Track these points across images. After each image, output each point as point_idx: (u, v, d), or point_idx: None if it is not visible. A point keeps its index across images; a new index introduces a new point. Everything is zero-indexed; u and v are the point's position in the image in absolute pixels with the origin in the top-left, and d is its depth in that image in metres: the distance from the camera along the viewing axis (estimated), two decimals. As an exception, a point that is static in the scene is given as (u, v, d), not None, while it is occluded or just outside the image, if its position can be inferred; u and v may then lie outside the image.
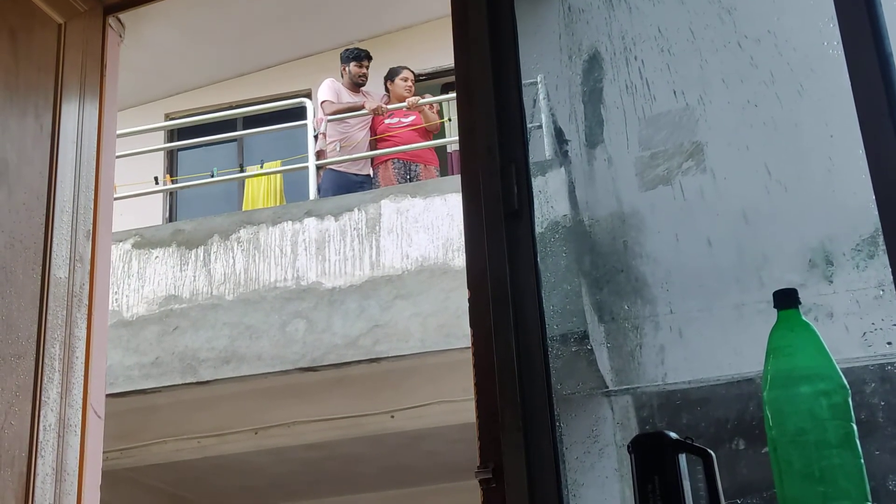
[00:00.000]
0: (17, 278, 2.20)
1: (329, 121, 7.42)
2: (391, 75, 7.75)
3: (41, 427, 2.17)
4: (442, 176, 7.48)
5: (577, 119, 2.32)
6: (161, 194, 9.41)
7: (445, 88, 8.97)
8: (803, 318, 1.52)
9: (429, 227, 5.72)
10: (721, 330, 2.04)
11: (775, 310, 1.54)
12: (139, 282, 5.99)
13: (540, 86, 2.42)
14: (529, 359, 1.84)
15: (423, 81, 8.79)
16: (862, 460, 1.44)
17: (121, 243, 6.02)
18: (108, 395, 2.50)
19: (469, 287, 1.95)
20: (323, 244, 5.84)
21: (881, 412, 1.78)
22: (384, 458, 7.17)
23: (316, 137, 7.39)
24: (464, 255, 2.03)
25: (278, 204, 7.87)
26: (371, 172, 7.50)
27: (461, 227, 2.07)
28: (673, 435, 1.53)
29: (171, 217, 9.53)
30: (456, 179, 5.47)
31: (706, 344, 2.07)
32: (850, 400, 1.46)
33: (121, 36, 2.72)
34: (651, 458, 1.51)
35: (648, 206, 2.21)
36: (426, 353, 5.45)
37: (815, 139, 2.08)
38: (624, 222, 2.22)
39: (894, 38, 1.74)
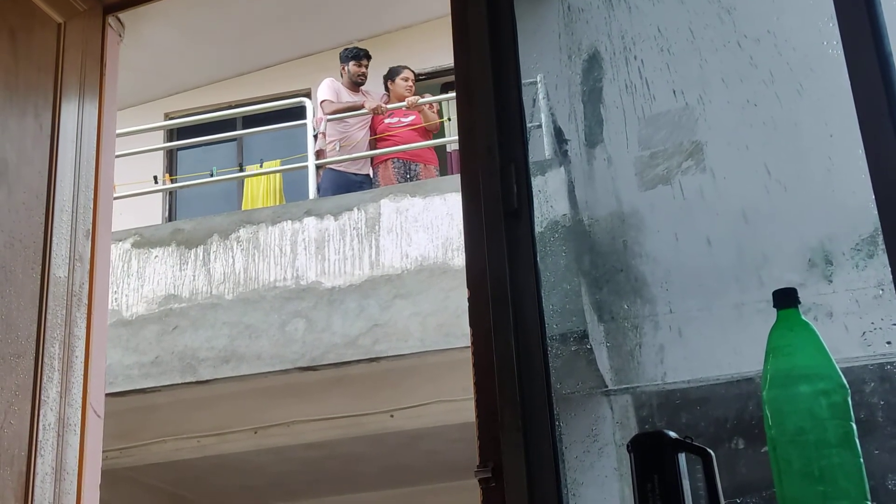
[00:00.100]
0: (16, 277, 2.20)
1: (328, 120, 7.42)
2: (392, 75, 7.75)
3: (41, 426, 2.17)
4: (441, 175, 7.48)
5: (577, 118, 2.33)
6: (160, 194, 9.41)
7: (445, 88, 8.97)
8: (803, 317, 1.52)
9: (428, 226, 5.72)
10: (720, 329, 2.05)
11: (775, 309, 1.54)
12: (139, 281, 5.99)
13: (539, 85, 2.42)
14: (529, 358, 1.84)
15: (423, 81, 8.78)
16: (861, 460, 1.44)
17: (120, 243, 6.02)
18: (107, 395, 2.51)
19: (468, 286, 1.95)
20: (322, 244, 5.84)
21: (880, 411, 1.78)
22: (384, 458, 7.18)
23: (315, 137, 7.39)
24: (463, 254, 2.03)
25: (278, 203, 7.87)
26: (371, 172, 7.50)
27: (461, 226, 2.07)
28: (672, 434, 1.53)
29: (171, 216, 9.53)
30: (455, 179, 5.47)
31: (706, 343, 2.07)
32: (849, 399, 1.46)
33: (120, 35, 2.72)
34: (650, 457, 1.51)
35: (648, 206, 2.21)
36: (426, 352, 5.45)
37: (814, 139, 2.08)
38: (623, 222, 2.22)
39: (894, 38, 1.74)
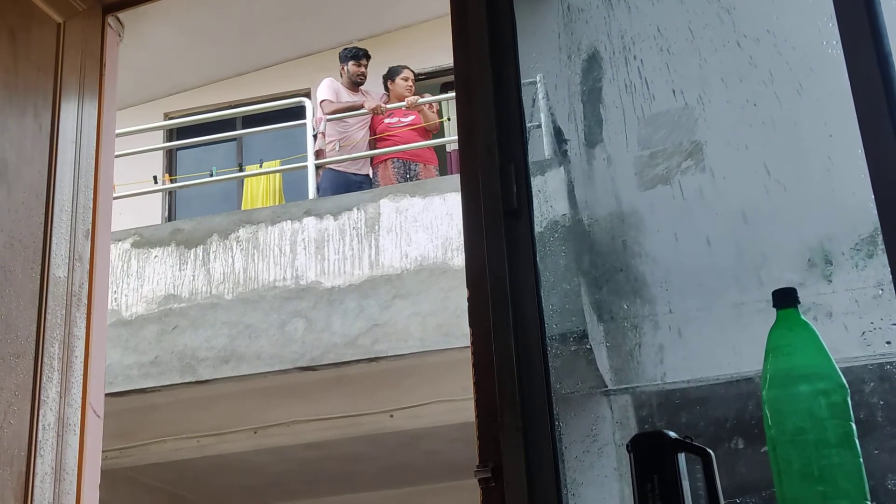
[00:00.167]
0: (16, 277, 2.20)
1: (328, 120, 7.42)
2: (392, 75, 7.75)
3: (40, 426, 2.17)
4: (441, 175, 7.48)
5: (577, 118, 2.32)
6: (160, 193, 9.41)
7: (444, 88, 8.97)
8: (802, 317, 1.52)
9: (428, 226, 5.72)
10: (720, 329, 2.05)
11: (774, 309, 1.54)
12: (138, 281, 5.99)
13: (539, 85, 2.42)
14: (528, 358, 1.84)
15: (423, 81, 8.78)
16: (861, 459, 1.44)
17: (120, 242, 6.02)
18: (107, 395, 2.50)
19: (468, 286, 1.95)
20: (322, 243, 5.84)
21: (880, 411, 1.78)
22: (383, 458, 7.18)
23: (315, 137, 7.39)
24: (463, 254, 2.03)
25: (277, 203, 7.87)
26: (370, 172, 7.50)
27: (460, 226, 2.07)
28: (672, 434, 1.53)
29: (171, 216, 9.53)
30: (455, 179, 5.47)
31: (705, 343, 2.07)
32: (849, 399, 1.46)
33: (120, 35, 2.72)
34: (650, 457, 1.51)
35: (647, 206, 2.21)
36: (425, 352, 5.45)
37: (814, 139, 2.08)
38: (623, 222, 2.22)
39: (893, 38, 1.74)
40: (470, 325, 1.92)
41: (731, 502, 1.75)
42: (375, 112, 7.46)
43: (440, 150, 7.95)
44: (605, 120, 2.29)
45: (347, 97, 7.60)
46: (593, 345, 2.18)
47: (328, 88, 7.57)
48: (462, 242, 2.03)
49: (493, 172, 1.99)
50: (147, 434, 6.27)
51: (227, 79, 9.63)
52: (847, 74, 1.73)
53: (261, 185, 8.34)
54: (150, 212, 9.05)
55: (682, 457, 1.51)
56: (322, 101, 7.52)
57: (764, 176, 2.06)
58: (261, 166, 8.64)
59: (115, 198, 3.04)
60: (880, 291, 1.82)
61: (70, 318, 2.33)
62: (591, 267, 2.25)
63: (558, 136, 2.40)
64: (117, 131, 2.81)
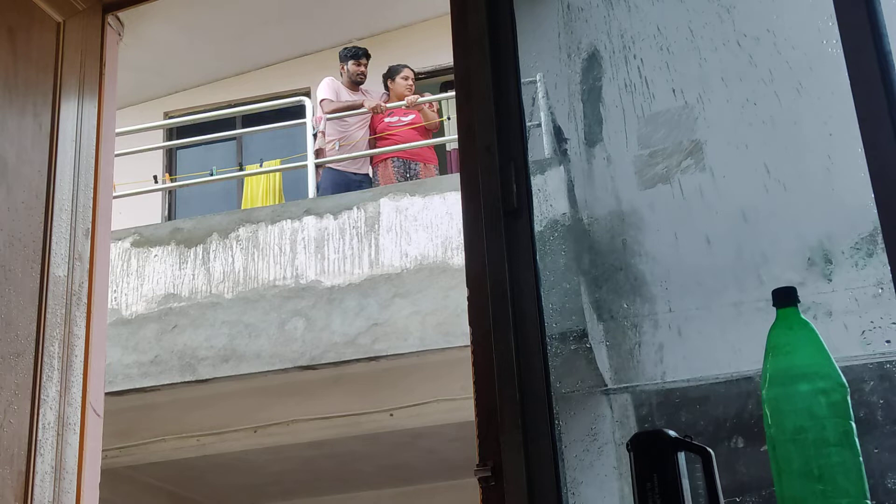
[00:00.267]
0: (16, 276, 2.20)
1: (328, 119, 7.41)
2: (392, 74, 7.74)
3: (40, 425, 2.17)
4: (441, 174, 7.48)
5: (577, 117, 2.32)
6: (160, 193, 9.41)
7: (444, 87, 8.97)
8: (802, 316, 1.52)
9: (428, 225, 5.72)
10: (720, 328, 2.05)
11: (774, 308, 1.54)
12: (138, 280, 5.99)
13: (539, 84, 2.42)
14: (528, 357, 1.84)
15: (422, 80, 8.78)
16: (861, 458, 1.44)
17: (120, 242, 6.02)
18: (107, 394, 2.51)
19: (468, 285, 1.95)
20: (322, 243, 5.84)
21: (880, 410, 1.78)
22: (383, 457, 7.18)
23: (315, 136, 7.38)
24: (462, 253, 2.03)
25: (277, 202, 7.87)
26: (370, 171, 7.50)
27: (460, 225, 2.07)
28: (672, 433, 1.53)
29: (170, 215, 9.53)
30: (455, 178, 5.47)
31: (705, 342, 2.07)
32: (848, 398, 1.46)
33: (120, 34, 2.72)
34: (650, 456, 1.51)
35: (647, 205, 2.21)
36: (425, 351, 5.45)
37: (814, 138, 2.08)
38: (623, 221, 2.22)
39: (893, 37, 1.74)
40: (470, 325, 1.92)
41: (731, 501, 1.75)
42: (375, 111, 7.45)
43: (440, 149, 7.95)
44: (604, 119, 2.29)
45: (347, 96, 7.60)
46: (593, 344, 2.18)
47: (328, 87, 7.57)
48: (462, 241, 2.03)
49: (493, 171, 1.99)
50: (147, 433, 6.27)
51: (226, 78, 9.63)
52: (847, 73, 1.73)
53: (261, 185, 8.34)
54: (150, 211, 9.05)
55: (681, 456, 1.51)
56: (322, 101, 7.52)
57: (764, 175, 2.06)
58: (261, 165, 8.64)
59: (115, 197, 3.04)
60: (880, 290, 1.82)
61: (70, 317, 2.33)
62: (590, 266, 2.25)
63: (558, 136, 2.40)
64: (117, 130, 2.81)
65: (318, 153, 7.31)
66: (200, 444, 6.37)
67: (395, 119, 7.57)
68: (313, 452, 6.87)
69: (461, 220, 2.03)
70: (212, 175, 8.59)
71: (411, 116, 7.56)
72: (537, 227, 2.00)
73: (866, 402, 1.76)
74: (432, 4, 8.38)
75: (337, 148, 7.37)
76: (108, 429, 2.50)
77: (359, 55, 7.75)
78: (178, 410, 6.08)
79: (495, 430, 1.81)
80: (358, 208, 5.90)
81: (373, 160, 7.50)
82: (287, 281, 5.78)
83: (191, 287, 5.90)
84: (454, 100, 2.22)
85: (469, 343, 1.91)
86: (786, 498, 1.45)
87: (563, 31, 2.36)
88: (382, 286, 5.62)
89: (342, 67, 7.76)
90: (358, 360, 5.55)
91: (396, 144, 7.39)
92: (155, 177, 9.17)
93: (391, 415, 6.04)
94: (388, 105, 7.52)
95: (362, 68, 7.74)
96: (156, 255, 6.05)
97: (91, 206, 2.48)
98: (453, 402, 5.67)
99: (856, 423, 1.46)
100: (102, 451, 2.39)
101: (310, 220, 5.93)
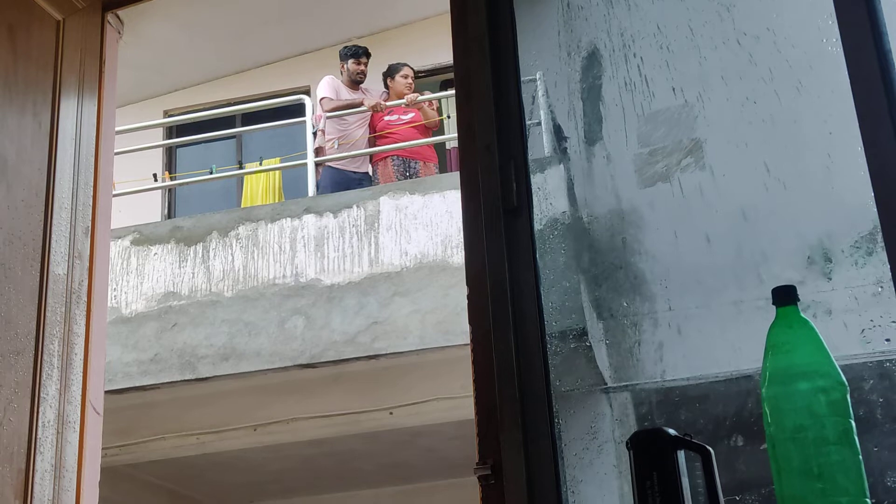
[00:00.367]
0: (15, 275, 2.20)
1: (328, 118, 7.41)
2: (391, 72, 7.74)
3: (40, 423, 2.17)
4: (441, 173, 7.48)
5: (576, 116, 2.32)
6: (160, 191, 9.41)
7: (444, 85, 8.97)
8: (802, 314, 1.52)
9: (427, 223, 5.72)
10: (720, 327, 2.05)
11: (774, 307, 1.54)
12: (138, 278, 5.99)
13: (539, 83, 2.42)
14: (528, 355, 1.84)
15: (422, 78, 8.78)
16: (860, 457, 1.44)
17: (119, 240, 6.02)
18: (106, 392, 2.51)
19: (468, 284, 1.95)
20: (322, 241, 5.84)
21: (879, 409, 1.78)
22: (383, 455, 7.18)
23: (315, 134, 7.38)
24: (462, 251, 2.03)
25: (277, 201, 7.87)
26: (370, 170, 7.50)
27: (460, 223, 2.07)
28: (671, 431, 1.53)
29: (170, 214, 9.53)
30: (455, 176, 5.46)
31: (705, 341, 2.07)
32: (848, 396, 1.46)
33: (119, 32, 2.72)
34: (650, 454, 1.51)
35: (647, 203, 2.21)
36: (425, 349, 5.45)
37: (814, 136, 2.08)
38: (623, 219, 2.22)
39: (893, 36, 1.74)
40: (470, 323, 1.92)
41: (731, 499, 1.75)
42: (375, 109, 7.45)
43: (440, 147, 7.94)
44: (604, 117, 2.29)
45: (347, 95, 7.60)
46: (593, 342, 2.18)
47: (328, 86, 7.57)
48: (461, 240, 2.03)
49: (493, 170, 1.99)
50: (147, 431, 6.27)
51: (226, 76, 9.63)
52: (847, 72, 1.73)
53: (260, 183, 8.34)
54: (150, 209, 9.05)
55: (681, 454, 1.51)
56: (322, 99, 7.52)
57: (763, 173, 2.06)
58: (260, 164, 8.64)
59: (115, 195, 3.04)
60: (880, 289, 1.82)
61: (70, 315, 2.33)
62: (590, 264, 2.25)
63: (558, 134, 2.40)
64: (117, 128, 2.81)
65: (318, 151, 7.31)
66: (200, 443, 6.37)
67: (394, 118, 7.57)
68: (313, 451, 6.87)
69: (461, 219, 2.03)
70: (211, 173, 8.59)
71: (411, 115, 7.56)
72: (537, 226, 2.00)
73: (866, 400, 1.76)
74: (432, 3, 8.37)
75: (336, 146, 7.37)
76: (108, 427, 2.50)
77: (359, 54, 7.75)
78: (177, 409, 6.08)
79: (495, 429, 1.81)
80: (358, 207, 5.90)
81: (372, 159, 7.50)
82: (287, 279, 5.78)
83: (190, 285, 5.90)
84: (454, 98, 2.22)
85: (469, 341, 1.91)
86: (785, 496, 1.45)
87: (563, 29, 2.36)
88: (382, 285, 5.62)
89: (342, 66, 7.75)
90: (358, 359, 5.55)
91: (396, 143, 7.38)
92: (155, 175, 9.16)
93: (391, 413, 6.04)
94: (387, 103, 7.52)
95: (362, 67, 7.74)
96: (155, 254, 6.05)
97: (91, 204, 2.48)
98: (453, 401, 5.67)
99: (855, 421, 1.46)
100: (102, 449, 2.40)
101: (309, 219, 5.93)
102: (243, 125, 8.97)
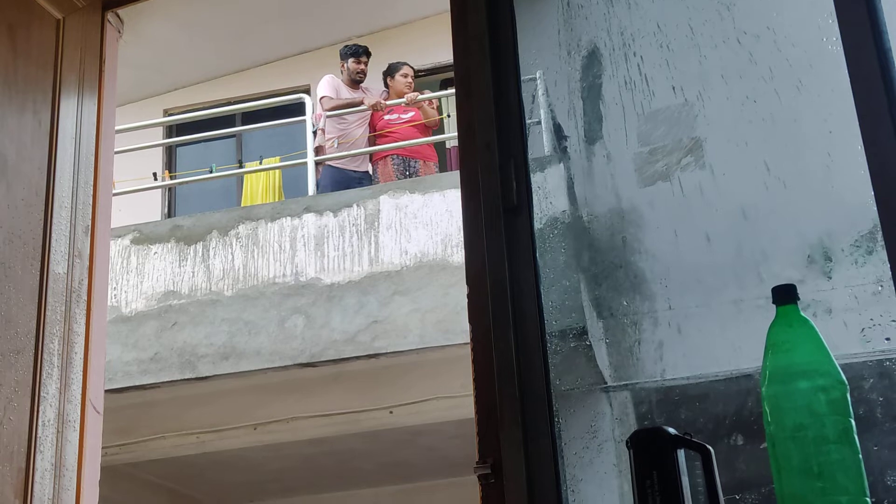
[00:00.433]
0: (15, 274, 2.20)
1: (328, 117, 7.41)
2: (391, 71, 7.74)
3: (40, 422, 2.17)
4: (441, 172, 7.48)
5: (576, 115, 2.32)
6: (160, 190, 9.40)
7: (444, 84, 8.96)
8: (802, 313, 1.52)
9: (427, 222, 5.72)
10: (720, 326, 2.05)
11: (774, 306, 1.54)
12: (138, 277, 5.99)
13: (539, 82, 2.42)
14: (528, 354, 1.84)
15: (422, 77, 8.78)
16: (860, 456, 1.44)
17: (119, 239, 6.02)
18: (106, 391, 2.51)
19: (468, 283, 1.95)
20: (322, 240, 5.84)
21: (879, 408, 1.78)
22: (383, 454, 7.18)
23: (315, 133, 7.38)
24: (462, 250, 2.03)
25: (277, 200, 7.87)
26: (370, 169, 7.50)
27: (460, 222, 2.07)
28: (671, 430, 1.53)
29: (170, 213, 9.53)
30: (455, 175, 5.46)
31: (705, 340, 2.07)
32: (848, 395, 1.46)
33: (119, 31, 2.72)
34: (650, 453, 1.51)
35: (647, 203, 2.21)
36: (425, 348, 5.46)
37: (814, 135, 2.08)
38: (623, 218, 2.22)
39: (893, 34, 1.74)
40: (470, 322, 1.92)
41: (731, 498, 1.75)
42: (375, 109, 7.45)
43: (440, 146, 7.94)
44: (604, 116, 2.29)
45: (347, 94, 7.60)
46: (593, 341, 2.18)
47: (328, 85, 7.57)
48: (461, 239, 2.03)
49: (493, 169, 1.99)
50: (147, 430, 6.27)
51: (226, 75, 9.63)
52: (847, 71, 1.73)
53: (260, 182, 8.34)
54: (150, 208, 9.05)
55: (681, 453, 1.51)
56: (322, 98, 7.52)
57: (763, 172, 2.06)
58: (260, 163, 8.64)
59: (115, 194, 3.04)
60: (880, 288, 1.82)
61: (70, 314, 2.33)
62: (590, 263, 2.25)
63: (558, 133, 2.40)
64: (117, 127, 2.81)
65: (318, 150, 7.31)
66: (200, 442, 6.37)
67: (394, 117, 7.57)
68: (313, 450, 6.87)
69: (461, 218, 2.03)
70: (211, 172, 8.59)
71: (411, 114, 7.56)
72: (537, 225, 2.00)
73: (866, 399, 1.76)
74: (432, 2, 8.37)
75: (336, 145, 7.37)
76: (108, 426, 2.51)
77: (359, 53, 7.75)
78: (177, 408, 6.08)
79: (495, 428, 1.81)
80: (358, 206, 5.90)
81: (372, 158, 7.50)
82: (287, 278, 5.78)
83: (190, 284, 5.90)
84: (454, 97, 2.22)
85: (469, 340, 1.91)
86: (785, 495, 1.45)
87: (563, 28, 2.36)
88: (382, 284, 5.62)
89: (342, 65, 7.76)
90: (357, 358, 5.55)
91: (396, 142, 7.38)
92: (154, 174, 9.16)
93: (391, 412, 6.04)
94: (387, 102, 7.52)
95: (362, 66, 7.74)
96: (155, 253, 6.05)
97: (91, 203, 2.48)
98: (453, 400, 5.67)
99: (855, 420, 1.46)
100: (102, 448, 2.40)
101: (309, 218, 5.93)
102: (243, 124, 8.97)
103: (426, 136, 7.61)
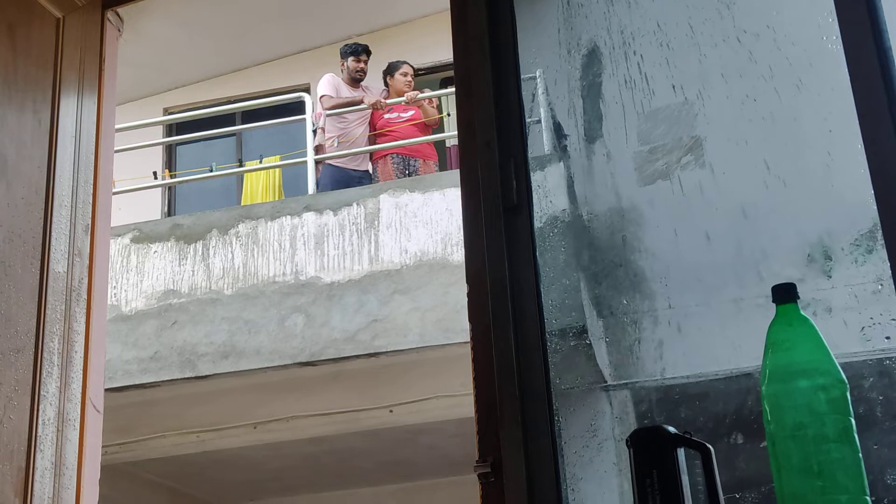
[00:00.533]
0: (15, 272, 2.20)
1: (328, 115, 7.41)
2: (391, 70, 7.74)
3: (40, 421, 2.17)
4: (441, 171, 7.48)
5: (576, 114, 2.32)
6: (160, 189, 9.41)
7: (444, 83, 8.96)
8: (802, 312, 1.52)
9: (427, 221, 5.72)
10: (720, 324, 2.05)
11: (774, 304, 1.54)
12: (138, 276, 5.99)
13: (539, 80, 2.42)
14: (528, 353, 1.84)
15: (422, 76, 8.78)
16: (860, 454, 1.44)
17: (119, 238, 6.02)
18: (106, 390, 2.51)
19: (468, 282, 1.95)
20: (322, 239, 5.84)
21: (879, 406, 1.78)
22: (383, 453, 7.18)
23: (315, 132, 7.38)
24: (462, 249, 2.03)
25: (277, 199, 7.87)
26: (370, 168, 7.50)
27: (460, 221, 2.07)
28: (671, 429, 1.53)
29: (170, 212, 9.53)
30: (455, 174, 5.46)
31: (705, 338, 2.07)
32: (848, 394, 1.46)
33: (119, 30, 2.72)
34: (650, 452, 1.51)
35: (647, 201, 2.21)
36: (425, 347, 5.46)
37: (814, 134, 2.08)
38: (623, 217, 2.22)
39: (893, 33, 1.74)
40: (469, 321, 1.92)
41: (731, 497, 1.75)
42: (375, 107, 7.45)
43: (440, 145, 7.94)
44: (604, 115, 2.29)
45: (347, 93, 7.60)
46: (593, 340, 2.18)
47: (328, 84, 7.57)
48: (461, 238, 2.03)
49: (493, 168, 1.99)
50: (147, 429, 6.27)
51: (226, 74, 9.63)
52: (847, 70, 1.73)
53: (260, 181, 8.34)
54: (150, 207, 9.05)
55: (681, 452, 1.51)
56: (322, 97, 7.52)
57: (763, 171, 2.06)
58: (260, 162, 8.64)
59: (115, 193, 3.04)
60: (880, 287, 1.82)
61: (70, 313, 2.33)
62: (590, 262, 2.25)
63: (558, 132, 2.40)
64: (117, 126, 2.81)
65: (318, 149, 7.31)
66: (200, 441, 6.37)
67: (394, 115, 7.57)
68: (313, 449, 6.88)
69: (461, 217, 2.03)
70: (211, 171, 8.59)
71: (411, 113, 7.56)
72: (537, 224, 2.00)
73: (866, 398, 1.76)
74: (432, 1, 8.37)
75: (336, 145, 7.37)
76: (108, 425, 2.51)
77: (358, 52, 7.75)
78: (177, 407, 6.08)
79: (495, 427, 1.81)
80: (357, 204, 5.90)
81: (372, 157, 7.50)
82: (287, 277, 5.78)
83: (190, 283, 5.90)
84: (454, 96, 2.22)
85: (469, 339, 1.91)
86: (785, 494, 1.45)
87: (563, 27, 2.36)
88: (382, 282, 5.62)
89: (342, 64, 7.76)
90: (357, 357, 5.55)
91: (396, 141, 7.39)
92: (154, 173, 9.16)
93: (391, 411, 6.04)
94: (387, 101, 7.52)
95: (362, 65, 7.74)
96: (155, 252, 6.05)
97: (91, 202, 2.47)
98: (453, 399, 5.67)
99: (855, 419, 1.46)
100: (102, 447, 2.40)
101: (309, 217, 5.93)
102: (243, 123, 8.97)
103: (426, 134, 7.61)
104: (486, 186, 1.99)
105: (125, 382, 5.70)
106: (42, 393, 2.20)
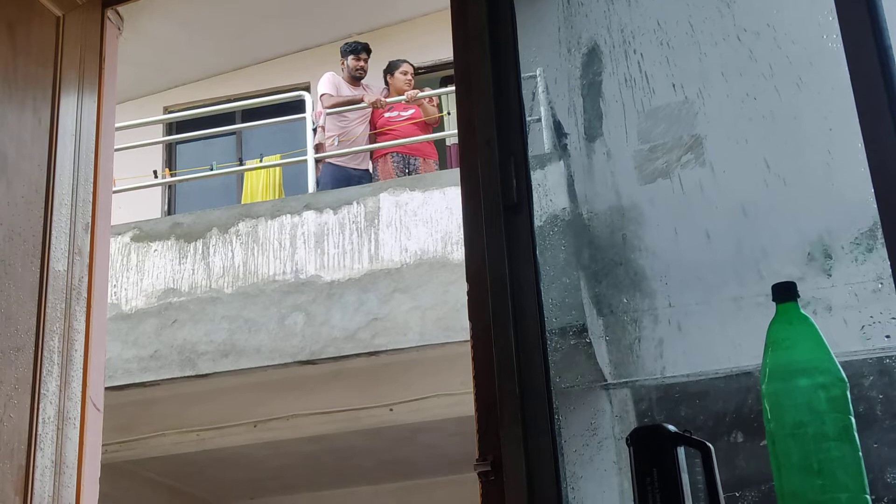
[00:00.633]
0: (15, 271, 2.20)
1: (328, 114, 7.41)
2: (391, 68, 7.74)
3: (40, 420, 2.17)
4: (441, 169, 7.48)
5: (577, 112, 2.32)
6: (160, 187, 9.40)
7: (444, 81, 8.96)
8: (802, 311, 1.52)
9: (427, 220, 5.72)
10: (720, 323, 2.05)
11: (774, 303, 1.54)
12: (138, 275, 5.99)
13: (539, 79, 2.42)
14: (528, 352, 1.84)
15: (422, 74, 8.78)
16: (860, 453, 1.44)
17: (119, 236, 6.02)
18: (106, 388, 2.51)
19: (468, 280, 1.95)
20: (322, 237, 5.84)
21: (879, 405, 1.78)
22: (383, 451, 7.18)
23: (315, 131, 7.38)
24: (462, 248, 2.03)
25: (277, 197, 7.87)
26: (370, 167, 7.50)
27: (460, 220, 2.07)
28: (671, 428, 1.53)
29: (170, 210, 9.53)
30: (455, 173, 5.46)
31: (705, 337, 2.07)
32: (848, 393, 1.46)
33: (119, 29, 2.72)
34: (650, 450, 1.51)
35: (647, 200, 2.21)
36: (425, 346, 5.46)
37: (814, 133, 2.08)
38: (623, 216, 2.22)
39: (893, 32, 1.74)
40: (469, 319, 1.92)
41: (731, 496, 1.75)
42: (375, 106, 7.45)
43: (440, 144, 7.94)
44: (604, 114, 2.29)
45: (347, 91, 7.60)
46: (593, 339, 2.18)
47: (328, 82, 7.57)
48: (461, 236, 2.03)
49: (493, 166, 1.99)
50: (147, 428, 6.28)
51: (226, 72, 9.63)
52: (847, 68, 1.73)
53: (260, 179, 8.33)
54: (150, 206, 9.05)
55: (681, 450, 1.51)
56: (322, 95, 7.52)
57: (764, 170, 2.06)
58: (261, 160, 8.63)
59: (115, 192, 3.04)
60: (880, 285, 1.82)
61: (70, 311, 2.33)
62: (590, 261, 2.25)
63: (558, 130, 2.40)
64: (117, 125, 2.81)
65: (318, 148, 7.31)
66: (200, 439, 6.37)
67: (394, 114, 7.57)
68: (313, 447, 6.88)
69: (461, 215, 2.03)
70: (211, 170, 8.59)
71: (411, 111, 7.56)
72: (537, 222, 2.00)
73: (866, 396, 1.76)
74: (432, -1, 8.38)
75: (336, 143, 7.37)
76: (108, 423, 2.51)
77: (358, 50, 7.75)
78: (177, 405, 6.08)
79: (495, 425, 1.81)
80: (358, 203, 5.90)
81: (373, 155, 7.50)
82: (287, 276, 5.78)
83: (190, 282, 5.90)
84: (454, 95, 2.22)
85: (469, 338, 1.91)
86: (785, 492, 1.45)
87: (564, 25, 2.36)
88: (382, 281, 5.62)
89: (342, 62, 7.76)
90: (358, 355, 5.55)
91: (396, 139, 7.39)
92: (155, 171, 9.16)
93: (391, 410, 6.04)
94: (387, 100, 7.52)
95: (362, 63, 7.73)
96: (155, 250, 6.05)
97: (91, 200, 2.47)
98: (453, 397, 5.67)
99: (855, 417, 1.46)
100: (102, 445, 2.40)
101: (309, 215, 5.93)
102: (243, 122, 8.97)
103: (426, 133, 7.61)
104: (486, 185, 1.99)
105: (125, 381, 5.70)
106: (42, 391, 2.20)
